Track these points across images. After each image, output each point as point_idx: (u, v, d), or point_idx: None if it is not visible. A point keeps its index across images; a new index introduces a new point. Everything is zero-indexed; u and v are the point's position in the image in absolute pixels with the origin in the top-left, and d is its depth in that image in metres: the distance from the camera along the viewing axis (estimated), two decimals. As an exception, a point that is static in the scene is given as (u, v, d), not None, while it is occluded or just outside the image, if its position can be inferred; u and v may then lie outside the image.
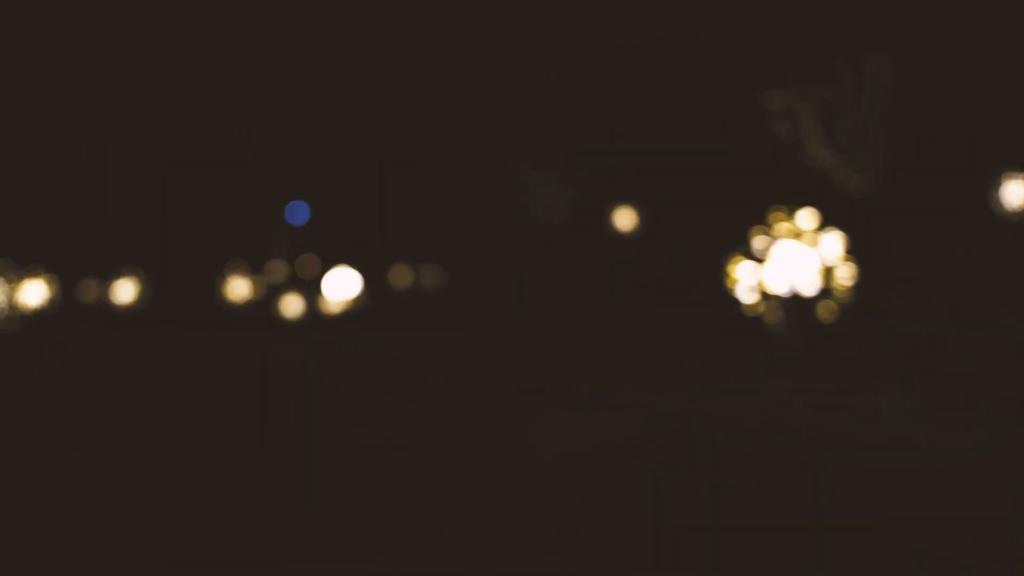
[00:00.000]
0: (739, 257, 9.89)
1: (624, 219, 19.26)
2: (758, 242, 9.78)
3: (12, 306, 21.75)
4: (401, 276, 25.78)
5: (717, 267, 11.60)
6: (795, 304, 9.35)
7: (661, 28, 18.96)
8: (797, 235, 9.57)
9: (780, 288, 9.50)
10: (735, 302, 10.02)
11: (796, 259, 9.45)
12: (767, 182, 16.94)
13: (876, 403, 8.30)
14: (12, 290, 21.95)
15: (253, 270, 28.23)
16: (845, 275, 9.46)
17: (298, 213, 32.55)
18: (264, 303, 23.76)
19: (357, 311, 20.01)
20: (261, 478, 6.52)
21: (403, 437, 7.83)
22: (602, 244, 19.45)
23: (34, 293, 22.91)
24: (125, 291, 26.78)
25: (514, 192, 22.43)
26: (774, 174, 16.78)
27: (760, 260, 9.72)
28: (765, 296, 9.69)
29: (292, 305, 23.36)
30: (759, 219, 13.79)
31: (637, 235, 19.21)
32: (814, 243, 9.55)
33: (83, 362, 14.11)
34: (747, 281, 9.80)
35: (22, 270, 22.54)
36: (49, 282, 23.84)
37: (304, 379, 11.84)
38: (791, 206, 9.48)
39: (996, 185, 14.16)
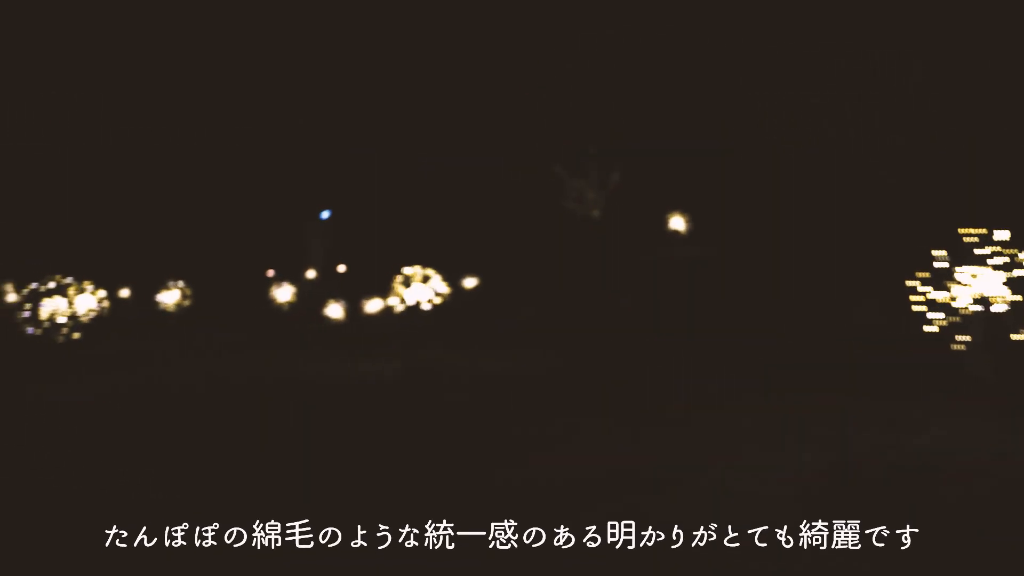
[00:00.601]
0: (923, 272, 8.97)
1: (680, 221, 18.14)
2: (942, 257, 8.88)
3: (73, 319, 20.42)
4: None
5: (879, 280, 10.70)
6: (985, 324, 8.51)
7: (661, 28, 18.07)
8: (992, 251, 8.70)
9: (971, 307, 8.64)
10: (905, 320, 9.09)
11: (987, 276, 8.61)
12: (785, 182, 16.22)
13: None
14: (70, 304, 20.63)
15: (290, 277, 26.93)
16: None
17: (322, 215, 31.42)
18: (314, 313, 22.44)
19: (418, 320, 18.65)
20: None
21: (553, 481, 6.73)
22: (666, 247, 18.23)
23: (86, 305, 21.59)
24: (170, 298, 25.35)
25: (554, 194, 21.25)
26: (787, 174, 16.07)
27: (947, 275, 8.83)
28: (951, 315, 8.81)
29: (336, 312, 22.13)
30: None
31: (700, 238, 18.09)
32: (1009, 260, 8.70)
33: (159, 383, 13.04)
34: (934, 298, 8.89)
35: (75, 283, 21.20)
36: (97, 294, 22.47)
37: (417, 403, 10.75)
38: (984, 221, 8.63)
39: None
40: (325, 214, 31.23)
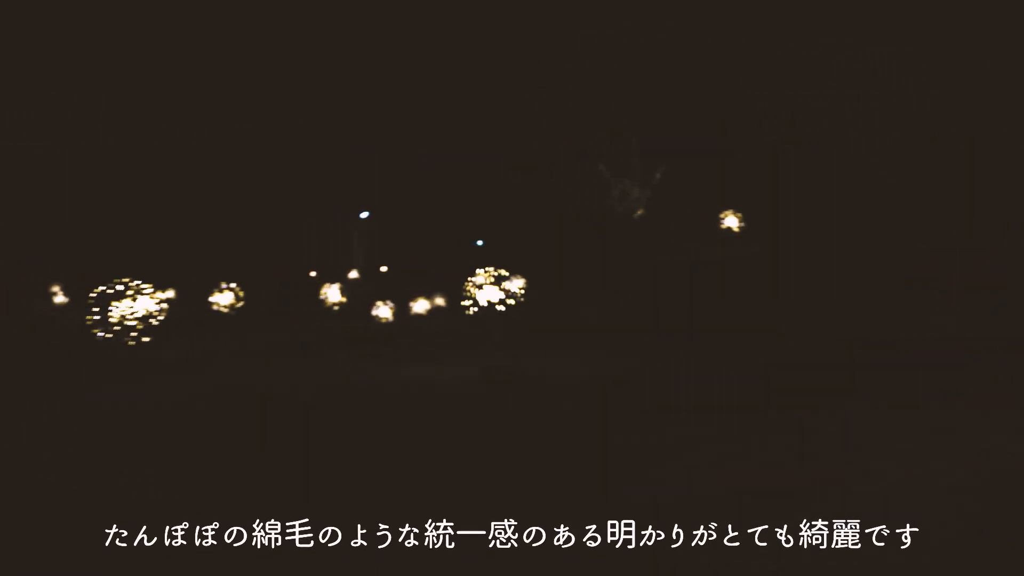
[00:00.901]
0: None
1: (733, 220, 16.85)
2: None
3: (143, 321, 20.05)
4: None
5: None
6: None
7: (661, 28, 17.30)
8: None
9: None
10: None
11: None
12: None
13: None
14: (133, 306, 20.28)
15: (332, 278, 26.50)
16: None
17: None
18: (359, 314, 21.60)
19: (488, 322, 17.22)
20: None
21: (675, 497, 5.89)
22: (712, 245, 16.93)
23: (148, 307, 21.21)
24: (224, 300, 25.03)
25: (600, 191, 19.99)
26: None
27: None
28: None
29: (384, 312, 21.35)
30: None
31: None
32: None
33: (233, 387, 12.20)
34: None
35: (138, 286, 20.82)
36: (156, 296, 22.08)
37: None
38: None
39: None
40: (364, 214, 30.87)
